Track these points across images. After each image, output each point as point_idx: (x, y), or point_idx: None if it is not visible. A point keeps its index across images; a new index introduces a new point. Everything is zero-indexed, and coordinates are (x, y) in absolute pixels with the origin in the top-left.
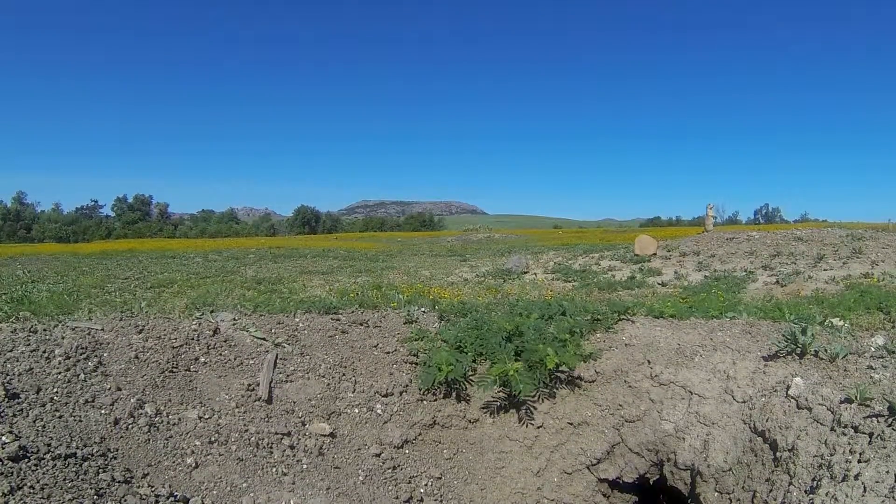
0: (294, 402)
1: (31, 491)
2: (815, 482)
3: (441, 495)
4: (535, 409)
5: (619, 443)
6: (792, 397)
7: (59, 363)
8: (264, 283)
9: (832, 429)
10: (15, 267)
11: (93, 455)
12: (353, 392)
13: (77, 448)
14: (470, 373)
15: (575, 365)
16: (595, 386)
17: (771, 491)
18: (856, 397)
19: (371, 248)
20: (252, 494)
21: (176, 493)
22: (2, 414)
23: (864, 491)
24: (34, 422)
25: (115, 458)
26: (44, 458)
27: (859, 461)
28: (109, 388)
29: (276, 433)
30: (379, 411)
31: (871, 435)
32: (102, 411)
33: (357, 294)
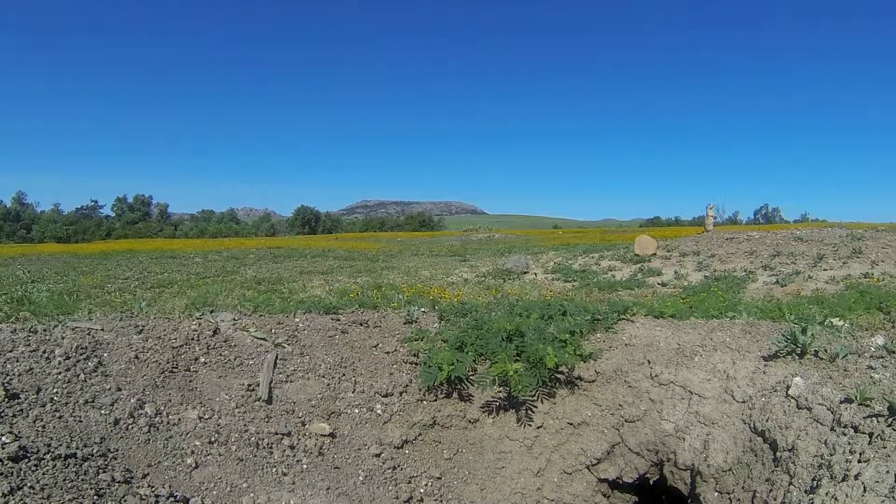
0: (294, 402)
1: (31, 491)
2: (815, 482)
3: (441, 495)
4: (534, 409)
5: (619, 443)
6: (792, 397)
7: (59, 363)
8: (264, 283)
9: (832, 429)
10: (15, 267)
11: (93, 455)
12: (353, 392)
13: (77, 448)
14: (470, 373)
15: (575, 365)
16: (595, 386)
17: (771, 491)
18: (856, 397)
19: (371, 248)
20: (252, 494)
21: (176, 494)
22: (2, 414)
23: (864, 491)
24: (34, 422)
25: (115, 459)
26: (44, 459)
27: (859, 461)
28: (109, 389)
29: (276, 433)
30: (379, 411)
31: (871, 435)
32: (102, 411)
33: (357, 294)
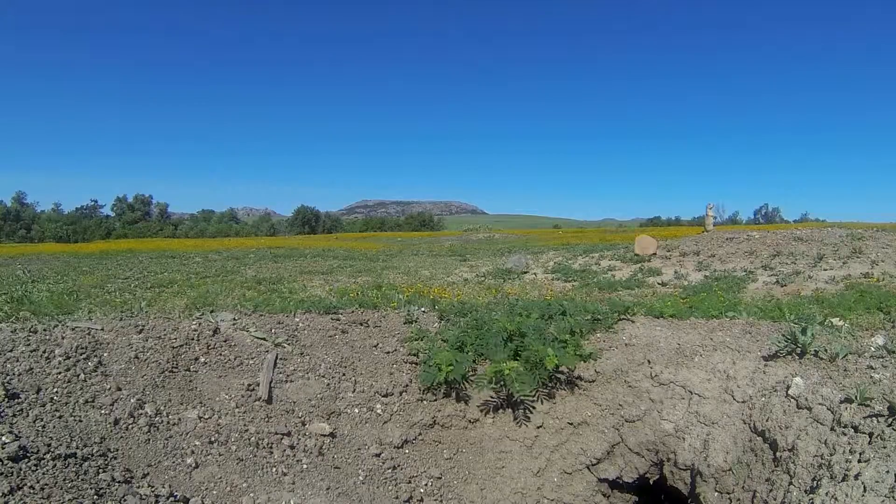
0: (294, 402)
1: (31, 491)
2: (815, 482)
3: (441, 495)
4: (534, 408)
5: (619, 443)
6: (792, 397)
7: (59, 363)
8: (264, 283)
9: (832, 429)
10: (15, 267)
11: (93, 455)
12: (353, 392)
13: (77, 448)
14: (470, 373)
15: (575, 365)
16: (595, 386)
17: (771, 491)
18: (856, 397)
19: (371, 248)
20: (252, 494)
21: (176, 493)
22: (2, 414)
23: (864, 491)
24: (34, 422)
25: (115, 458)
26: (44, 458)
27: (859, 461)
28: (109, 388)
29: (276, 433)
30: (379, 411)
31: (871, 435)
32: (102, 411)
33: (357, 294)
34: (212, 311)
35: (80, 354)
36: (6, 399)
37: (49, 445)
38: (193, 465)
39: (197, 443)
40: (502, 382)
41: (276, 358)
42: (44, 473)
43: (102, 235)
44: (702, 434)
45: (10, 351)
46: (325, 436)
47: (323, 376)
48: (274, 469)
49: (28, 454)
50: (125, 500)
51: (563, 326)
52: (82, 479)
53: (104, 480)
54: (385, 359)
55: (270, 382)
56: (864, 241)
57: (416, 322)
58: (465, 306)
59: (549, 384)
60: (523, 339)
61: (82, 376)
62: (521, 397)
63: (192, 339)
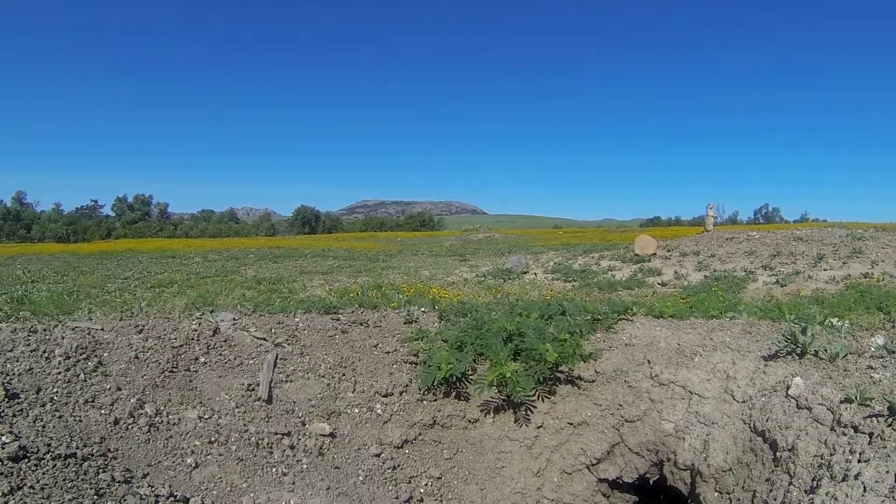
0: (294, 402)
1: (31, 491)
2: (815, 482)
3: (441, 495)
4: (534, 409)
5: (619, 443)
6: (792, 397)
7: (59, 363)
8: (264, 283)
9: (832, 429)
10: (15, 267)
11: (93, 455)
12: (353, 392)
13: (77, 448)
14: (470, 372)
15: (575, 365)
16: (595, 386)
17: (771, 491)
18: (856, 397)
19: (371, 248)
20: (252, 494)
21: (176, 493)
22: (2, 414)
23: (864, 491)
24: (34, 422)
25: (115, 458)
26: (44, 458)
27: (859, 461)
28: (109, 388)
29: (276, 433)
30: (379, 411)
31: (871, 435)
32: (102, 411)
33: (357, 294)
34: (212, 311)
35: (80, 354)
36: (6, 399)
37: (49, 445)
38: (193, 464)
39: (197, 443)
40: (504, 383)
41: (276, 358)
42: (44, 473)
43: (102, 235)
44: (702, 434)
45: (10, 351)
46: (325, 436)
47: (323, 376)
48: (274, 469)
49: (28, 454)
50: (125, 500)
51: (562, 326)
52: (82, 479)
53: (104, 480)
54: (385, 359)
55: (270, 382)
56: (864, 241)
57: (416, 322)
58: (464, 306)
59: (549, 382)
60: (523, 338)
61: (82, 376)
62: (522, 398)
63: (192, 339)
